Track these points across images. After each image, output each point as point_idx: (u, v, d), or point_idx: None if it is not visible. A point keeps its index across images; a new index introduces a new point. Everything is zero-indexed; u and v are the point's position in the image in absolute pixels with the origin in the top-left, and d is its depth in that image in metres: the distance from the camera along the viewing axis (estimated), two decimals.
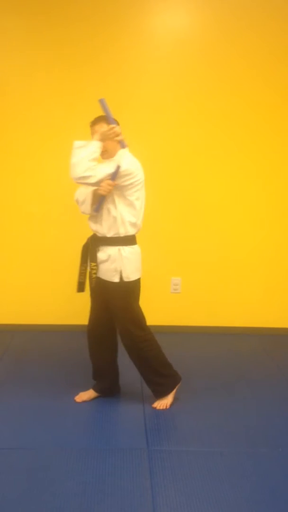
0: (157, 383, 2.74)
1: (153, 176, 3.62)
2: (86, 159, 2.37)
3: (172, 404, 2.75)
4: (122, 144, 2.50)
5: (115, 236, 2.52)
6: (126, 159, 2.46)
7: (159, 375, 2.73)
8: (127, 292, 2.58)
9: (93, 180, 2.38)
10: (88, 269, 2.63)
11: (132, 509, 1.95)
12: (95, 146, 2.41)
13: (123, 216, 2.49)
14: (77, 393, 2.80)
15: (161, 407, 2.71)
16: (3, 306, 3.85)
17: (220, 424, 2.59)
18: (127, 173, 2.42)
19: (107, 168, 2.41)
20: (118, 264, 2.52)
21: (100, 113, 2.52)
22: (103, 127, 2.47)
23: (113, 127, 2.43)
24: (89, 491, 2.04)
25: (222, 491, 2.06)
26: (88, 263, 2.62)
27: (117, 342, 2.80)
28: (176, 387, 2.78)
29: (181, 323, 3.89)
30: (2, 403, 2.76)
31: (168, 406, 2.72)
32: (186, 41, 3.54)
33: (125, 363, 2.86)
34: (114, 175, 2.41)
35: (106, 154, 2.52)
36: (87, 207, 2.52)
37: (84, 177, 2.38)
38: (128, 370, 2.91)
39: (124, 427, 2.55)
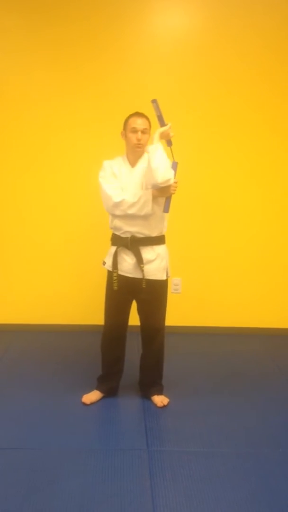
0: (159, 383, 2.83)
1: None
2: (164, 161, 2.43)
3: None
4: (169, 143, 2.56)
5: (160, 235, 2.59)
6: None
7: (161, 376, 2.84)
8: (167, 288, 2.69)
9: (172, 180, 2.46)
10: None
11: (132, 509, 1.95)
12: (161, 147, 2.46)
13: (164, 215, 2.57)
14: (77, 393, 2.80)
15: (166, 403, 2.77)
16: (4, 306, 3.85)
17: (220, 424, 2.59)
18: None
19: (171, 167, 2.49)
20: (165, 261, 2.62)
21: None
22: (147, 125, 2.50)
23: (170, 126, 2.50)
24: (89, 492, 2.04)
25: (222, 492, 2.06)
26: (126, 268, 2.59)
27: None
28: None
29: (181, 323, 3.89)
30: (2, 403, 2.76)
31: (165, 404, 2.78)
32: (185, 41, 3.54)
33: (125, 364, 2.87)
34: (175, 174, 2.50)
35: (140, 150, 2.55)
36: (143, 208, 2.46)
37: (168, 180, 2.43)
38: (128, 371, 2.91)
39: (124, 427, 2.55)
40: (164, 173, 2.40)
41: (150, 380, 2.81)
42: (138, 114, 2.53)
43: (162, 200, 2.52)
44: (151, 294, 2.59)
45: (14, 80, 3.56)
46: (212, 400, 2.85)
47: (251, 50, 3.56)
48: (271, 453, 2.35)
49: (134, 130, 2.49)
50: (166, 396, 2.82)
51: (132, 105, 3.54)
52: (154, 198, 2.48)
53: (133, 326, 3.75)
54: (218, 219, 3.78)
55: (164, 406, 2.73)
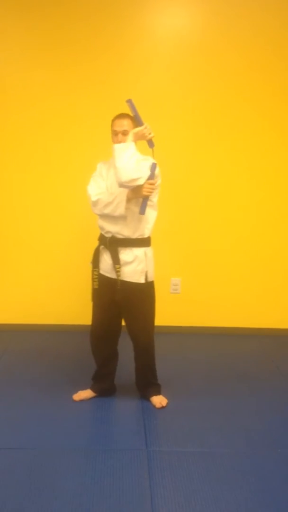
0: (155, 384, 2.82)
1: None
2: (132, 161, 2.36)
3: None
4: (150, 144, 2.51)
5: (140, 237, 2.56)
6: (151, 159, 2.50)
7: (156, 377, 2.84)
8: (151, 292, 2.67)
9: (142, 181, 2.39)
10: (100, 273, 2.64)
11: (131, 509, 1.95)
12: (133, 147, 2.41)
13: (147, 217, 2.54)
14: (76, 393, 2.81)
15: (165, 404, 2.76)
16: (3, 306, 3.85)
17: (219, 425, 2.59)
18: (158, 174, 2.49)
19: (145, 168, 2.44)
20: (144, 265, 2.58)
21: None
22: (128, 126, 2.48)
23: (147, 126, 2.46)
24: (88, 492, 2.04)
25: (221, 492, 2.06)
26: (105, 268, 2.61)
27: (117, 343, 2.80)
28: None
29: (180, 323, 3.89)
30: (1, 403, 2.76)
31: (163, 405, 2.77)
32: (186, 40, 3.54)
33: (123, 364, 2.87)
34: (152, 175, 2.45)
35: None
36: (116, 209, 2.46)
37: (134, 179, 2.36)
38: (127, 371, 2.91)
39: (123, 427, 2.55)
40: (129, 173, 2.34)
41: (145, 381, 2.80)
42: (119, 116, 2.52)
43: (140, 202, 2.48)
44: (129, 296, 2.59)
45: (13, 79, 3.56)
46: (211, 400, 2.85)
47: (251, 49, 3.55)
48: (270, 453, 2.36)
49: (115, 133, 2.50)
50: (165, 396, 2.82)
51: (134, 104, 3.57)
52: (129, 199, 2.46)
53: None
54: (217, 219, 3.78)
55: (163, 407, 2.73)
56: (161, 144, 3.64)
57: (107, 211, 2.49)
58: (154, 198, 2.57)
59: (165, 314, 3.88)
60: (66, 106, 3.58)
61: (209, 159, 3.70)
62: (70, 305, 3.79)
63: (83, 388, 2.84)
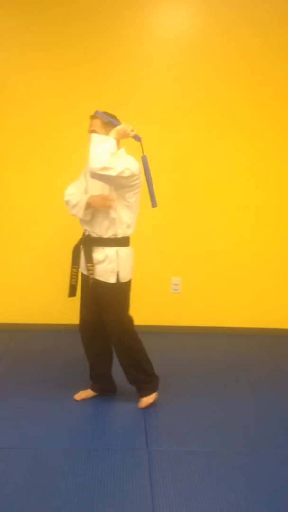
0: (144, 381, 2.74)
1: (153, 175, 3.64)
2: (106, 152, 2.34)
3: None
4: (137, 138, 2.51)
5: (113, 237, 2.53)
6: (128, 159, 2.47)
7: (145, 374, 2.73)
8: (122, 292, 2.61)
9: (113, 172, 2.33)
10: (80, 271, 2.66)
11: (131, 509, 1.95)
12: (113, 142, 2.40)
13: (121, 217, 2.51)
14: (77, 393, 2.81)
15: (147, 406, 2.70)
16: (3, 305, 3.85)
17: (220, 424, 2.59)
18: (133, 174, 2.42)
19: (125, 163, 2.40)
20: (115, 265, 2.53)
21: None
22: (97, 126, 2.48)
23: (126, 124, 2.46)
24: (88, 491, 2.04)
25: (221, 492, 2.06)
26: (83, 265, 2.62)
27: (108, 343, 2.77)
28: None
29: (181, 323, 3.89)
30: (1, 402, 2.76)
31: (148, 404, 2.72)
32: (186, 40, 3.54)
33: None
34: (146, 168, 2.47)
35: None
36: (79, 211, 2.55)
37: (105, 168, 2.31)
38: None
39: (124, 427, 2.55)
40: (101, 160, 2.31)
41: (131, 377, 2.76)
42: (90, 117, 2.54)
43: (120, 202, 2.48)
44: (100, 296, 2.59)
45: (14, 78, 3.57)
46: (212, 399, 2.85)
47: (252, 49, 3.56)
48: (270, 453, 2.36)
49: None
50: (165, 396, 2.79)
51: (132, 104, 3.58)
52: (87, 207, 2.51)
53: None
54: (218, 219, 3.78)
55: (146, 406, 2.69)
56: (161, 144, 3.67)
57: (74, 212, 2.59)
58: (131, 199, 2.50)
59: (166, 314, 3.90)
60: (66, 106, 3.58)
61: (209, 159, 3.70)
62: (71, 305, 3.77)
63: (84, 387, 2.84)
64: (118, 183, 2.43)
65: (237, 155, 3.70)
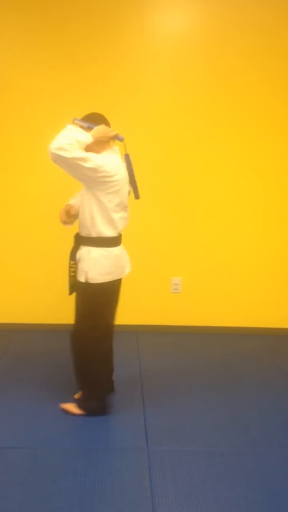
0: (84, 393, 2.64)
1: (152, 176, 3.65)
2: (71, 138, 2.30)
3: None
4: (119, 138, 2.50)
5: (87, 236, 2.50)
6: (106, 157, 2.41)
7: (86, 388, 2.63)
8: (91, 294, 2.52)
9: (68, 154, 2.24)
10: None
11: (131, 509, 1.95)
12: (85, 136, 2.37)
13: (94, 217, 2.45)
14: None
15: (64, 410, 2.64)
16: (3, 305, 3.85)
17: (220, 424, 2.59)
18: (101, 170, 2.33)
19: (95, 156, 2.34)
20: (85, 264, 2.49)
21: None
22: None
23: (101, 126, 2.45)
24: (88, 491, 2.04)
25: (222, 491, 2.06)
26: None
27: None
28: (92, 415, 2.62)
29: (181, 323, 3.89)
30: (1, 402, 2.76)
31: (69, 411, 2.63)
32: (185, 41, 3.54)
33: (123, 364, 2.87)
34: (129, 165, 2.46)
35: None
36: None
37: (61, 148, 2.23)
38: (128, 371, 2.91)
39: (124, 427, 2.55)
40: (60, 141, 2.25)
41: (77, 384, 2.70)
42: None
43: (94, 201, 2.44)
44: (76, 293, 2.60)
45: (14, 78, 3.56)
46: (212, 399, 2.85)
47: (251, 51, 3.55)
48: (270, 452, 2.36)
49: None
50: (165, 397, 2.79)
51: (132, 104, 3.58)
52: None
53: (133, 326, 3.79)
54: (218, 219, 3.78)
55: (64, 409, 2.64)
56: (160, 144, 3.67)
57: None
58: (103, 198, 2.41)
59: (166, 314, 3.89)
60: (66, 106, 3.57)
61: (210, 159, 3.70)
62: (71, 305, 3.77)
63: None
64: (82, 174, 2.33)
65: (237, 155, 3.70)
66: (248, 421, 2.64)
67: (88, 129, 2.45)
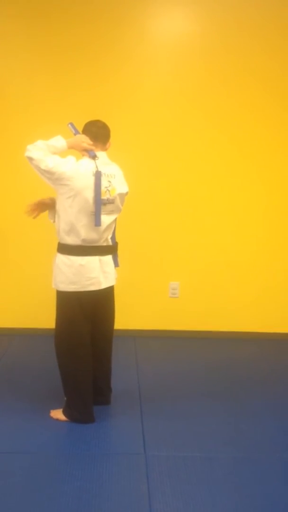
0: (67, 402, 2.62)
1: (151, 179, 3.66)
2: (46, 142, 2.39)
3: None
4: (91, 153, 2.46)
5: (59, 241, 2.52)
6: (71, 161, 2.41)
7: (67, 394, 2.62)
8: (58, 300, 2.53)
9: (27, 153, 2.35)
10: None
11: None
12: (62, 142, 2.43)
13: (59, 222, 2.47)
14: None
15: (53, 417, 2.63)
16: (2, 309, 3.85)
17: (218, 429, 2.58)
18: (53, 171, 2.35)
19: (53, 159, 2.37)
20: (53, 269, 2.52)
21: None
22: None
23: (81, 136, 2.48)
24: (86, 496, 2.03)
25: (219, 496, 2.05)
26: None
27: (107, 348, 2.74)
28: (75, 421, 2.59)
29: (179, 327, 3.89)
30: (1, 406, 2.75)
31: (55, 418, 2.62)
32: (185, 46, 3.56)
33: (121, 368, 2.86)
34: (98, 180, 2.38)
35: None
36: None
37: (27, 149, 2.35)
38: (125, 376, 2.90)
39: (122, 432, 2.55)
40: (31, 152, 2.35)
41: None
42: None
43: (59, 207, 2.47)
44: None
45: (14, 84, 3.58)
46: (209, 404, 2.84)
47: (250, 55, 3.59)
48: (268, 457, 2.35)
49: None
50: (165, 398, 2.79)
51: (132, 108, 3.59)
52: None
53: (131, 330, 3.79)
54: (216, 224, 3.79)
55: (52, 416, 2.62)
56: (159, 148, 3.68)
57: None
58: (64, 203, 2.42)
59: (164, 318, 3.89)
60: (66, 111, 3.58)
61: (209, 163, 3.71)
62: None
63: None
64: (42, 175, 2.40)
65: (236, 159, 3.72)
66: (246, 426, 2.63)
67: (75, 135, 2.51)
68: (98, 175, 2.38)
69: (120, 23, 3.52)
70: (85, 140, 2.47)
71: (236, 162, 3.72)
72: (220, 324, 3.91)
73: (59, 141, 2.45)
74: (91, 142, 2.47)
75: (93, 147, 2.47)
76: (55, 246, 3.75)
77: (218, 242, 3.81)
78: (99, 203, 2.39)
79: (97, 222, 2.40)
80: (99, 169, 2.41)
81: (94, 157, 2.45)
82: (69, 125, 2.56)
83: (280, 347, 3.78)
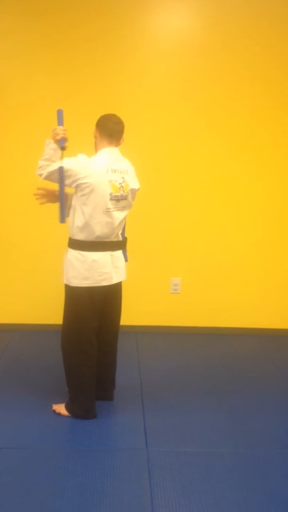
0: (70, 398, 2.63)
1: (152, 176, 3.64)
2: (44, 158, 2.45)
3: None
4: (60, 144, 2.42)
5: (70, 237, 2.53)
6: (79, 161, 2.39)
7: (71, 390, 2.62)
8: (68, 297, 2.56)
9: (42, 177, 2.44)
10: None
11: (131, 509, 1.95)
12: (50, 145, 2.44)
13: (73, 218, 2.47)
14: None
15: (55, 411, 2.65)
16: (3, 305, 3.85)
17: (219, 425, 2.59)
18: (69, 174, 2.36)
19: (54, 167, 2.38)
20: (64, 265, 2.54)
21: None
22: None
23: (56, 128, 2.43)
24: (88, 492, 2.04)
25: (221, 492, 2.06)
26: None
27: (114, 342, 2.75)
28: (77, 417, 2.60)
29: (180, 323, 3.89)
30: (1, 402, 2.76)
31: (58, 412, 2.64)
32: (186, 46, 3.54)
33: (123, 364, 2.86)
34: (61, 176, 2.36)
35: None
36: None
37: (39, 175, 2.44)
38: (127, 372, 2.91)
39: (123, 427, 2.55)
40: (37, 170, 2.47)
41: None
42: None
43: (75, 203, 2.45)
44: None
45: (15, 83, 3.56)
46: (211, 400, 2.85)
47: (250, 55, 3.56)
48: (269, 453, 2.36)
49: None
50: (164, 398, 2.80)
51: (133, 108, 3.58)
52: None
53: (133, 326, 3.79)
54: (217, 220, 3.78)
55: (55, 410, 2.65)
56: (160, 146, 3.67)
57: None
58: (78, 201, 2.40)
59: (165, 314, 3.90)
60: (67, 110, 3.56)
61: (209, 161, 3.70)
62: None
63: None
64: (57, 178, 2.41)
65: (236, 156, 3.70)
66: (248, 421, 2.64)
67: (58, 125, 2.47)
68: (61, 169, 2.35)
69: (120, 23, 3.49)
70: (60, 132, 2.41)
71: (237, 160, 3.71)
72: (221, 320, 3.91)
73: (49, 145, 2.44)
74: (65, 135, 2.41)
75: (66, 137, 2.42)
76: (56, 242, 3.77)
77: (219, 238, 3.80)
78: (63, 198, 2.43)
79: (61, 219, 2.46)
80: (112, 166, 2.41)
81: (63, 148, 2.42)
82: (58, 112, 2.48)
83: (282, 343, 3.78)
